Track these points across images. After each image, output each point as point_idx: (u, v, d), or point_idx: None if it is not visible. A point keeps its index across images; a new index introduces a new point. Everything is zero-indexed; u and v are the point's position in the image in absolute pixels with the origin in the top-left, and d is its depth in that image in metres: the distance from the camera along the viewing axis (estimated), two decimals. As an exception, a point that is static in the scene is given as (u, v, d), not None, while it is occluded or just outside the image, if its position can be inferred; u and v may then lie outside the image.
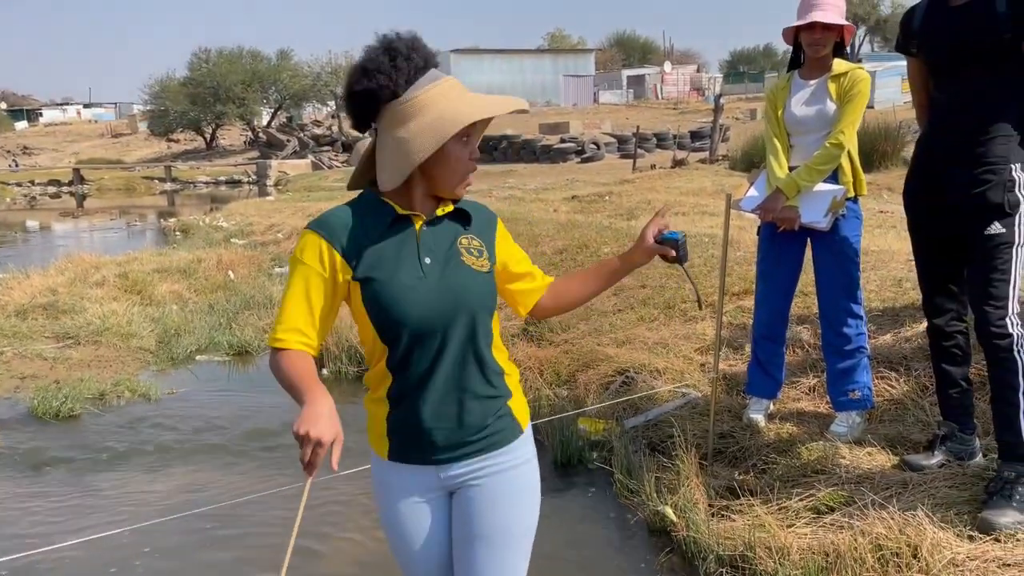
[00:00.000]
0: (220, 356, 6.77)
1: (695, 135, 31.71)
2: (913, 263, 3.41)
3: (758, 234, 3.95)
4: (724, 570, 3.11)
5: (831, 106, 3.66)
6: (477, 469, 1.83)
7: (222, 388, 6.06)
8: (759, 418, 4.06)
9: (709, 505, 3.56)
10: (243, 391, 5.94)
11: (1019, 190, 2.89)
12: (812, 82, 3.74)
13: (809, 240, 3.83)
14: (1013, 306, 2.91)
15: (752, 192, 3.89)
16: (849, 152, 3.69)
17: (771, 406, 4.15)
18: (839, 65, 3.69)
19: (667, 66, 49.97)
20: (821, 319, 3.95)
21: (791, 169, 3.78)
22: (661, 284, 6.02)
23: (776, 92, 3.88)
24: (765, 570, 2.99)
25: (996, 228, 2.90)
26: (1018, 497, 2.89)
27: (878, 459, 3.54)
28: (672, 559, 3.37)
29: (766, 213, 3.70)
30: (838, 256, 3.73)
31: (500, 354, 1.86)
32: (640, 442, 4.26)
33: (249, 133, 43.11)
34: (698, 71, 54.24)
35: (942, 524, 2.89)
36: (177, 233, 15.10)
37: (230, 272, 9.38)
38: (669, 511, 3.51)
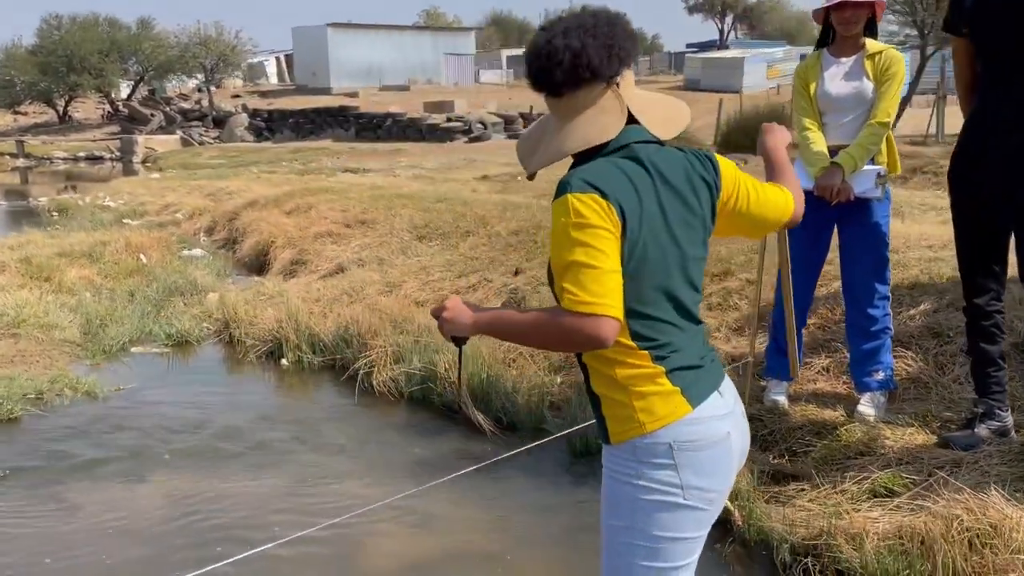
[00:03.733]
0: (157, 347, 6.22)
1: (579, 117, 32.12)
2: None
3: None
4: (802, 559, 3.06)
5: (868, 85, 3.66)
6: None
7: (171, 383, 5.55)
8: (782, 399, 4.05)
9: (754, 491, 3.51)
10: (195, 386, 5.47)
11: None
12: (845, 60, 3.72)
13: (837, 224, 3.84)
14: None
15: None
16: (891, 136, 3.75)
17: (789, 388, 4.15)
18: (872, 44, 3.69)
19: (545, 47, 50.05)
20: (847, 300, 3.97)
21: (830, 151, 3.74)
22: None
23: (807, 70, 3.83)
24: (847, 558, 2.96)
25: None
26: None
27: (918, 438, 3.58)
28: (736, 549, 3.29)
29: (824, 190, 3.64)
30: (869, 236, 3.76)
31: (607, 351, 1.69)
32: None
33: (107, 106, 40.34)
34: (575, 53, 54.63)
35: (1016, 502, 2.94)
36: (53, 214, 13.89)
37: (141, 256, 8.67)
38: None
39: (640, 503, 1.73)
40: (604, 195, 1.60)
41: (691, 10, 58.33)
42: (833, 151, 3.70)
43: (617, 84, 1.69)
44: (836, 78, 3.73)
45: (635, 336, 1.69)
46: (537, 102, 31.89)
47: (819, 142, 3.73)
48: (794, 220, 1.99)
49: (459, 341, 1.82)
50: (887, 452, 3.50)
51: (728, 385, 1.84)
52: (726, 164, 1.83)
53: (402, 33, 45.20)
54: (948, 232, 6.37)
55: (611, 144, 1.70)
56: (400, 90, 39.21)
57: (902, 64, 3.65)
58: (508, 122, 30.99)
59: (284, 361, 5.78)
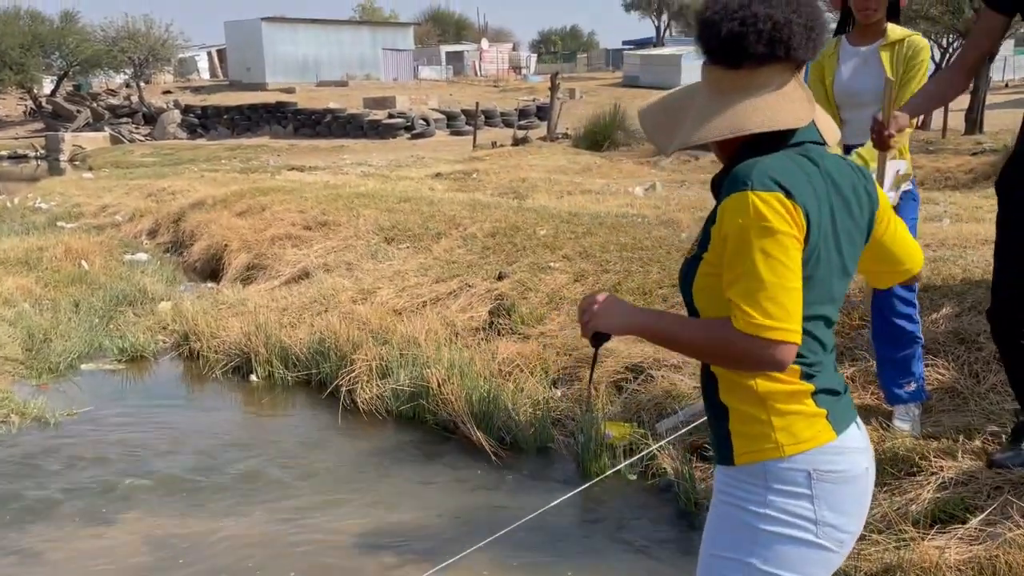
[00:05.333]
0: (110, 364, 5.70)
1: (522, 113, 31.88)
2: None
3: None
4: (871, 595, 2.79)
5: (884, 75, 3.34)
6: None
7: (130, 405, 5.06)
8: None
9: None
10: (156, 407, 4.99)
11: None
12: (863, 48, 3.40)
13: None
14: None
15: (886, 181, 3.61)
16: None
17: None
18: (894, 31, 3.36)
19: (484, 43, 49.83)
20: (872, 308, 3.73)
21: (846, 149, 3.48)
22: (626, 269, 5.66)
23: (822, 60, 3.48)
24: (924, 594, 2.70)
25: None
26: None
27: (966, 455, 3.36)
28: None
29: None
30: None
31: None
32: (678, 447, 3.88)
33: (30, 102, 38.54)
34: (514, 49, 54.57)
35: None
36: (-23, 216, 12.97)
37: (83, 262, 8.05)
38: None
39: (764, 536, 1.52)
40: (790, 195, 1.41)
41: (628, 7, 58.60)
42: (849, 150, 3.44)
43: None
44: (854, 69, 3.41)
45: None
46: (482, 97, 31.59)
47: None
48: (919, 276, 1.81)
49: (599, 340, 1.61)
50: (937, 471, 3.27)
51: (860, 420, 1.65)
52: (877, 184, 1.67)
53: (339, 28, 44.24)
54: (943, 229, 6.31)
55: (789, 138, 1.49)
56: (338, 86, 38.37)
57: (927, 52, 3.36)
58: (451, 118, 30.59)
59: (254, 377, 5.33)
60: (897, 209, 3.44)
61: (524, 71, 48.21)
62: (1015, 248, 3.03)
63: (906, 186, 3.43)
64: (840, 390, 1.59)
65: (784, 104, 1.46)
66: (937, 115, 16.58)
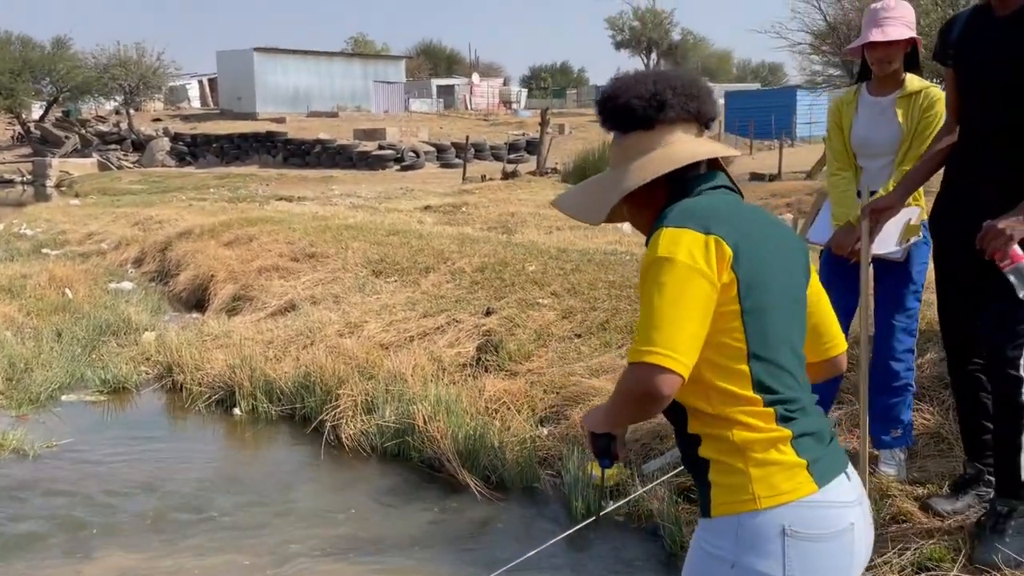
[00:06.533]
0: (92, 395, 5.63)
1: (512, 147, 32.08)
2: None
3: (820, 256, 3.64)
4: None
5: (900, 128, 3.35)
6: None
7: (111, 437, 4.99)
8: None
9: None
10: (138, 440, 4.93)
11: None
12: (882, 99, 3.40)
13: (877, 274, 3.56)
14: None
15: (820, 220, 3.59)
16: None
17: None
18: (912, 82, 3.36)
19: (475, 77, 50.25)
20: (873, 350, 3.72)
21: (859, 194, 3.43)
22: (614, 307, 5.67)
23: (841, 107, 3.51)
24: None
25: None
26: (1010, 531, 2.82)
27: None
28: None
29: (840, 248, 3.37)
30: (899, 285, 3.50)
31: (707, 404, 1.52)
32: (665, 489, 3.86)
33: (18, 127, 38.46)
34: (505, 84, 55.05)
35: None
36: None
37: (67, 290, 8.00)
38: None
39: None
40: (707, 229, 1.46)
41: (618, 45, 59.44)
42: (860, 194, 3.36)
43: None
44: (870, 119, 3.40)
45: (758, 386, 1.49)
46: (472, 131, 31.80)
47: (843, 189, 3.45)
48: (837, 368, 1.74)
49: (601, 453, 1.70)
50: (921, 517, 3.26)
51: (854, 471, 1.59)
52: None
53: (331, 60, 44.53)
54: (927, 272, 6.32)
55: (704, 183, 1.59)
56: (329, 117, 38.53)
57: (943, 103, 3.26)
58: (440, 151, 30.73)
59: (237, 411, 5.27)
60: (908, 260, 3.41)
61: (514, 106, 48.57)
62: (950, 290, 3.07)
63: (916, 238, 3.37)
64: (825, 435, 1.55)
65: (680, 147, 1.57)
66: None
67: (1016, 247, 2.62)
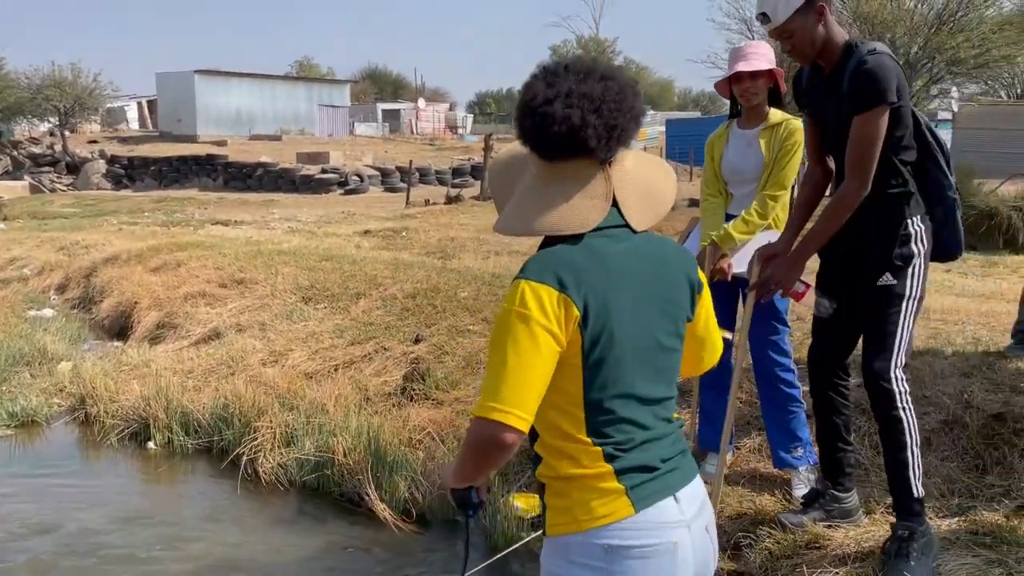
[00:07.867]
0: (-1, 429, 5.39)
1: (456, 172, 32.09)
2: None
3: None
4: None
5: (763, 157, 3.58)
6: None
7: (16, 474, 4.78)
8: (717, 473, 3.76)
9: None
10: (44, 477, 4.72)
11: (914, 243, 2.86)
12: (748, 131, 3.66)
13: (740, 291, 3.68)
14: (898, 360, 2.87)
15: (690, 242, 3.80)
16: (787, 203, 3.62)
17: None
18: (774, 115, 3.63)
19: (421, 102, 50.29)
20: (755, 373, 3.81)
21: (728, 219, 3.63)
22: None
23: (714, 140, 3.79)
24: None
25: (887, 280, 2.86)
26: (914, 554, 2.85)
27: (870, 525, 3.36)
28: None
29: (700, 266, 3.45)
30: (764, 307, 3.57)
31: (546, 434, 1.62)
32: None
33: (-54, 149, 37.27)
34: (451, 109, 55.17)
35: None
36: None
37: (-20, 318, 7.68)
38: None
39: None
40: (563, 287, 1.50)
41: (563, 71, 59.96)
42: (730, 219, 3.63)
43: (610, 164, 1.59)
44: (737, 149, 3.67)
45: (593, 432, 1.58)
46: (417, 155, 31.73)
47: (713, 219, 3.67)
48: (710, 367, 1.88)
49: (462, 504, 1.72)
50: (834, 543, 3.25)
51: (694, 493, 1.67)
52: (701, 272, 1.75)
53: (274, 83, 44.14)
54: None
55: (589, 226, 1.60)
56: (271, 139, 38.14)
57: (801, 133, 3.55)
58: (385, 175, 30.56)
59: (152, 444, 5.09)
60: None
61: (460, 131, 48.72)
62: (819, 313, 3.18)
63: None
64: (657, 467, 1.61)
65: (583, 204, 1.55)
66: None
67: (796, 285, 3.04)
